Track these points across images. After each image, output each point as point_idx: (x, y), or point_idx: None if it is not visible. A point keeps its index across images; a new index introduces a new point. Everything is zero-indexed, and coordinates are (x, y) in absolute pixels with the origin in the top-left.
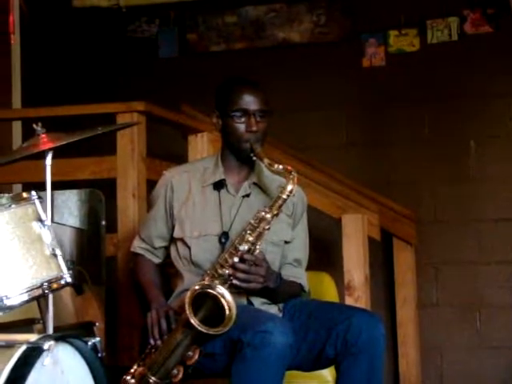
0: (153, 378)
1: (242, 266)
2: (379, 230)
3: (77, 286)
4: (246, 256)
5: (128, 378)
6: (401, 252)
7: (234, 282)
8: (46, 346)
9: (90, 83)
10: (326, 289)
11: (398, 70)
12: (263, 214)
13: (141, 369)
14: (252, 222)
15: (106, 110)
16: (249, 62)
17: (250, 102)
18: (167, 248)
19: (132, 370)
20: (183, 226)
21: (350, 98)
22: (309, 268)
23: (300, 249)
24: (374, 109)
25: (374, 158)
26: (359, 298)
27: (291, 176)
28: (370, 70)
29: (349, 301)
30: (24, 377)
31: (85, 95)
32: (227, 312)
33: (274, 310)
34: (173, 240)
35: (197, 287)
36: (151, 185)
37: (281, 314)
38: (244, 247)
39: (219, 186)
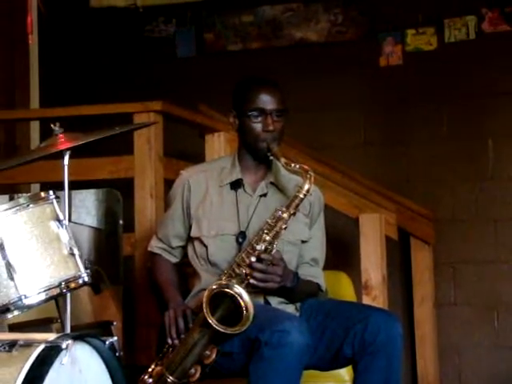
0: (170, 377)
1: (259, 265)
2: (397, 229)
3: (94, 286)
4: (263, 255)
5: (146, 377)
6: (418, 251)
7: (252, 281)
8: (64, 345)
9: (107, 83)
10: (343, 288)
11: (415, 69)
12: (280, 213)
13: (158, 368)
14: (269, 221)
15: (124, 109)
16: (266, 62)
17: (267, 101)
18: (184, 247)
19: (150, 370)
20: (200, 225)
21: (368, 97)
22: (326, 267)
23: (317, 248)
24: (391, 108)
25: (391, 158)
26: (376, 297)
27: (308, 175)
28: (388, 69)
29: (366, 300)
30: (42, 376)
31: (102, 95)
32: (244, 311)
33: (291, 309)
34: (190, 239)
35: (214, 287)
36: (168, 184)
37: (298, 314)
38: (261, 246)
39: (236, 185)
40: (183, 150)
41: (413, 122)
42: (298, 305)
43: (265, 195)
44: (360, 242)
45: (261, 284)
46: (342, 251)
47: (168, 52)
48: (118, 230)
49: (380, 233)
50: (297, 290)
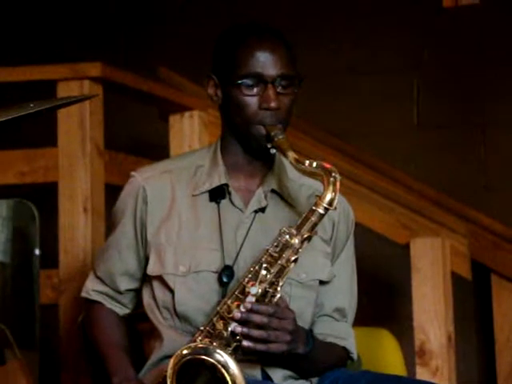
0: None
1: (257, 317)
2: (470, 262)
3: None
4: (261, 307)
5: None
6: (504, 297)
7: (244, 343)
8: None
9: (23, 43)
10: (385, 354)
11: (499, 11)
12: (287, 237)
13: None
14: (270, 250)
15: (42, 75)
16: (264, 4)
17: (266, 62)
18: (138, 292)
19: None
20: (163, 257)
21: (424, 56)
22: (359, 322)
23: (344, 293)
24: (460, 73)
25: (461, 150)
26: (438, 369)
27: (331, 179)
28: (456, 11)
29: (422, 374)
30: None
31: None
32: None
33: None
34: (147, 279)
35: (185, 352)
36: (114, 193)
37: None
38: (257, 290)
39: (219, 194)
40: (136, 139)
41: (495, 92)
42: (315, 381)
43: (263, 210)
44: (412, 282)
45: (260, 346)
46: (383, 297)
47: None
48: (33, 265)
49: (443, 268)
50: (312, 357)
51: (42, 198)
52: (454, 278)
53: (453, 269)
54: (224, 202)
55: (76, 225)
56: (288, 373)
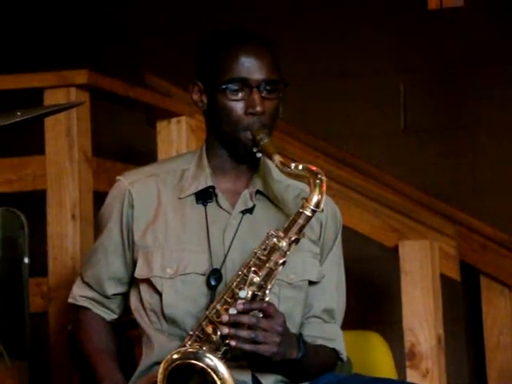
0: None
1: (245, 318)
2: (458, 264)
3: None
4: (251, 305)
5: None
6: (493, 298)
7: (232, 343)
8: None
9: (9, 51)
10: (375, 357)
11: (484, 13)
12: (275, 240)
13: None
14: (258, 252)
15: (28, 83)
16: (252, 6)
17: (252, 67)
18: (126, 296)
19: None
20: (150, 259)
21: (410, 57)
22: (348, 325)
23: (332, 293)
24: (446, 73)
25: (449, 153)
26: (429, 371)
27: (317, 181)
28: (440, 13)
29: (413, 376)
30: None
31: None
32: None
33: None
34: (134, 283)
35: (175, 356)
36: (101, 199)
37: None
38: (246, 293)
39: (205, 196)
40: (124, 145)
41: (481, 93)
42: None
43: (250, 211)
44: (401, 284)
45: (247, 347)
46: (373, 300)
47: None
48: (22, 273)
49: (432, 270)
50: (305, 362)
51: (30, 206)
52: (443, 280)
53: (442, 271)
54: (211, 205)
55: (64, 232)
56: (279, 378)
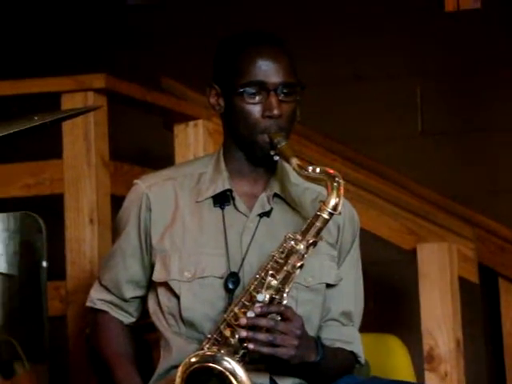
0: None
1: (263, 321)
2: (477, 266)
3: (4, 366)
4: (269, 308)
5: None
6: None
7: (250, 346)
8: None
9: (26, 56)
10: (394, 360)
11: (499, 15)
12: (292, 243)
13: None
14: (275, 255)
15: (45, 87)
16: (263, 10)
17: (269, 70)
18: (144, 299)
19: None
20: (168, 263)
21: (427, 59)
22: (366, 328)
23: (350, 296)
24: (463, 76)
25: (466, 155)
26: (447, 374)
27: (334, 184)
28: (458, 15)
29: (431, 379)
30: None
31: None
32: None
33: None
34: (152, 286)
35: (193, 360)
36: (119, 204)
37: None
38: (264, 296)
39: (223, 200)
40: (141, 149)
41: (500, 96)
42: None
43: (267, 214)
44: (419, 287)
45: (265, 350)
46: (391, 303)
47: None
48: (40, 277)
49: (450, 273)
50: (323, 365)
51: (48, 210)
52: (461, 283)
53: (460, 273)
54: (228, 208)
55: (82, 236)
56: (297, 381)
